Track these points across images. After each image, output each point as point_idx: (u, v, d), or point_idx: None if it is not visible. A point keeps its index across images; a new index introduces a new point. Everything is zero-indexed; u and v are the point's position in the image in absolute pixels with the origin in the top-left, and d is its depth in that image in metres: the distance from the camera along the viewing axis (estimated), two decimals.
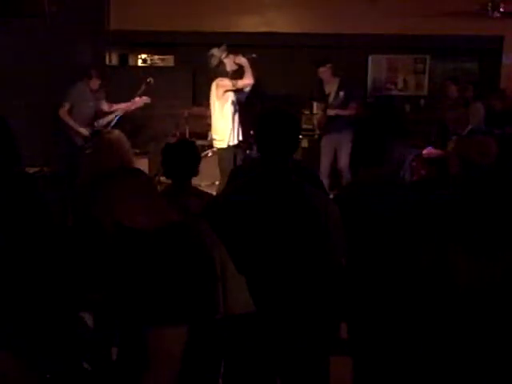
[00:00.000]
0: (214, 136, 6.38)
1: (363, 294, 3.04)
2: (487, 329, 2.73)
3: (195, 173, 3.40)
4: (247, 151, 6.69)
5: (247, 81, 6.20)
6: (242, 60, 6.23)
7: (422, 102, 8.26)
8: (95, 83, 6.78)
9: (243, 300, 2.32)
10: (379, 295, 3.01)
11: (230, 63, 6.22)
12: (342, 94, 6.92)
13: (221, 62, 6.20)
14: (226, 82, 6.16)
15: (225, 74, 6.20)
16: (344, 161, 6.77)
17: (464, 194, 2.90)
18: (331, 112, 6.96)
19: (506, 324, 2.73)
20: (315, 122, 7.53)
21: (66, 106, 6.60)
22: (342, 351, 3.06)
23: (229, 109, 6.21)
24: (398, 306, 2.98)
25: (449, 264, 2.76)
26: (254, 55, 6.35)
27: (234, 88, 6.16)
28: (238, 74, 6.28)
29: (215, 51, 6.21)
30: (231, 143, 6.23)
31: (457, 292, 2.76)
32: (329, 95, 7.06)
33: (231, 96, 6.21)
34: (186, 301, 1.99)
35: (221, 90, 6.18)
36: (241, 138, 6.36)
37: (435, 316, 2.87)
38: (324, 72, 7.00)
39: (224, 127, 6.22)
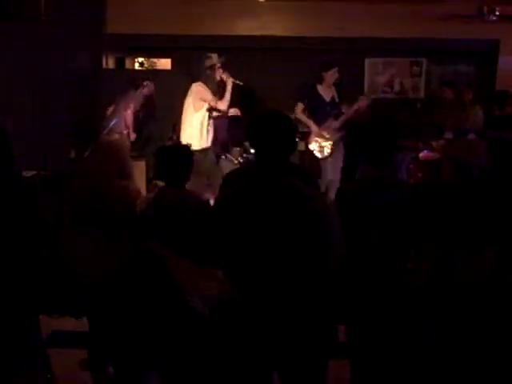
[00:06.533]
0: (182, 139, 6.27)
1: (361, 295, 3.05)
2: (486, 327, 2.74)
3: (187, 177, 3.31)
4: (243, 155, 6.70)
5: (222, 106, 6.18)
6: (228, 81, 6.21)
7: (419, 105, 8.26)
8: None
9: None
10: (378, 297, 3.01)
11: (218, 74, 6.21)
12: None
13: (211, 67, 6.19)
14: (207, 95, 6.16)
15: (211, 80, 6.20)
16: (334, 173, 6.37)
17: (461, 194, 2.93)
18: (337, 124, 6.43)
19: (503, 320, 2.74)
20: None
21: None
22: (340, 354, 3.06)
23: (199, 117, 6.21)
24: (397, 309, 2.99)
25: (452, 262, 2.79)
26: (241, 83, 6.34)
27: (209, 104, 6.17)
28: (219, 91, 6.27)
29: (214, 55, 6.24)
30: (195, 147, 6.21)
31: (456, 289, 2.78)
32: (329, 104, 6.53)
33: (206, 106, 6.21)
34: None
35: (198, 97, 6.19)
36: (209, 144, 6.34)
37: (436, 316, 2.88)
38: (331, 76, 6.43)
39: (191, 133, 6.20)
